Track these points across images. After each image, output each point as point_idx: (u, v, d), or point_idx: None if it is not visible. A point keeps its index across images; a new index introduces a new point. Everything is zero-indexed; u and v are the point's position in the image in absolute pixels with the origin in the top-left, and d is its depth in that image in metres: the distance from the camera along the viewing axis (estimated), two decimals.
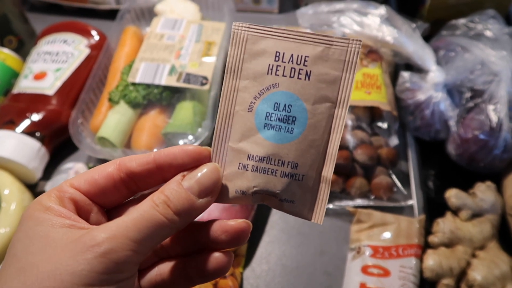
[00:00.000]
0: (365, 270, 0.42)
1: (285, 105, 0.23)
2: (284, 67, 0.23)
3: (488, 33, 0.53)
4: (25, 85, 0.57)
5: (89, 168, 0.52)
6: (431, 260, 0.42)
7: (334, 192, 0.50)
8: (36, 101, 0.55)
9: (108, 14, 0.71)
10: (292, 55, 0.23)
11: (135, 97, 0.53)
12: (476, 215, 0.46)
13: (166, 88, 0.54)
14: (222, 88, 0.24)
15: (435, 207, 0.49)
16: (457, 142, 0.50)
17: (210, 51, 0.57)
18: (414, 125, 0.53)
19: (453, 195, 0.46)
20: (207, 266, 0.23)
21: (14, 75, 0.60)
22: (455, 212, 0.46)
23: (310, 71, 0.23)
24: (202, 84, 0.54)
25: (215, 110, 0.53)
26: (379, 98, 0.52)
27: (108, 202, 0.23)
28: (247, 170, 0.23)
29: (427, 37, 0.57)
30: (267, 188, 0.23)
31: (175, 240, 0.24)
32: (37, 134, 0.53)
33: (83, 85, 0.57)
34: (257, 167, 0.23)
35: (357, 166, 0.49)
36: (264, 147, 0.23)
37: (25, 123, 0.53)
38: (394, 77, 0.58)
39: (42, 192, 0.53)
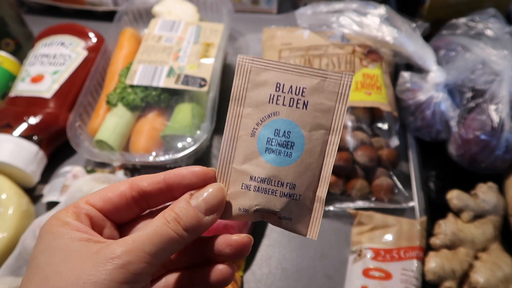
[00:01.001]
0: (366, 273, 0.42)
1: (284, 132, 0.25)
2: (284, 97, 0.25)
3: (488, 32, 0.52)
4: (23, 88, 0.56)
5: (87, 171, 0.52)
6: (433, 262, 0.42)
7: (335, 194, 0.49)
8: (33, 104, 0.55)
9: (106, 16, 0.70)
10: (291, 86, 0.25)
11: (133, 99, 0.53)
12: (478, 216, 0.45)
13: (165, 90, 0.54)
14: (228, 114, 0.26)
15: (436, 209, 0.49)
16: (458, 142, 0.49)
17: (208, 53, 0.57)
18: (415, 125, 0.53)
19: (454, 197, 0.45)
20: (211, 277, 0.25)
21: (11, 78, 0.60)
22: (457, 213, 0.46)
23: (308, 101, 0.25)
24: (201, 85, 0.53)
25: (214, 112, 0.52)
26: (380, 99, 0.52)
27: (120, 218, 0.25)
28: (249, 190, 0.25)
29: (427, 37, 0.56)
30: (268, 207, 0.25)
31: (182, 253, 0.26)
32: (35, 137, 0.52)
33: (80, 88, 0.57)
34: (258, 188, 0.25)
35: (357, 168, 0.49)
36: (265, 169, 0.25)
37: (23, 126, 0.52)
38: (394, 77, 0.57)
39: (40, 196, 0.52)
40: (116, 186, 0.25)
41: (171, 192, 0.25)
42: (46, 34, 0.62)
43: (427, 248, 0.44)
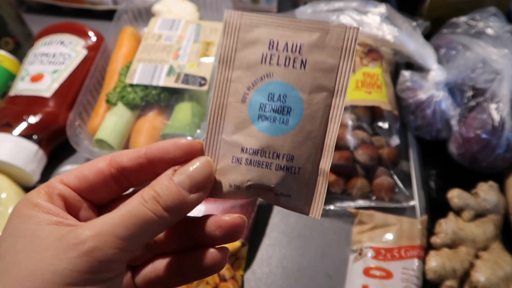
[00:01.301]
0: (367, 272, 0.42)
1: (279, 95, 0.22)
2: (279, 56, 0.22)
3: (489, 31, 0.52)
4: (22, 87, 0.56)
5: None
6: (434, 261, 0.42)
7: (335, 193, 0.49)
8: (33, 103, 0.54)
9: (105, 15, 0.70)
10: (286, 43, 0.22)
11: (133, 98, 0.53)
12: (478, 215, 0.45)
13: (164, 89, 0.54)
14: (215, 79, 0.23)
15: (437, 208, 0.49)
16: (459, 141, 0.49)
17: (208, 52, 0.57)
18: (415, 124, 0.53)
19: (455, 196, 0.45)
20: (202, 262, 0.22)
21: (10, 77, 0.59)
22: (458, 212, 0.46)
23: (306, 60, 0.22)
24: (201, 84, 0.53)
25: None
26: (380, 98, 0.52)
27: (99, 198, 0.23)
28: (241, 163, 0.23)
29: (428, 36, 0.56)
30: (261, 182, 0.23)
31: (169, 236, 0.23)
32: (34, 136, 0.52)
33: (80, 87, 0.56)
34: (251, 160, 0.22)
35: (358, 167, 0.49)
36: (258, 140, 0.22)
37: (22, 125, 0.52)
38: (394, 76, 0.57)
39: None
40: (93, 163, 0.22)
41: (154, 168, 0.22)
42: (46, 33, 0.62)
43: (428, 247, 0.44)
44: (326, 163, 0.23)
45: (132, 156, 0.22)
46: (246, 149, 0.22)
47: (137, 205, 0.20)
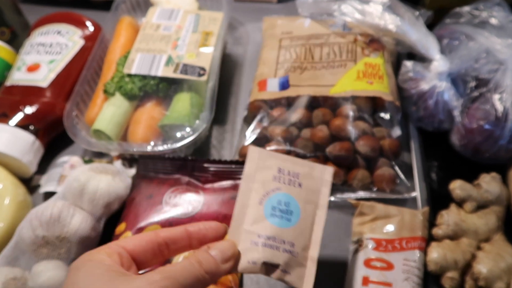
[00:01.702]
0: (367, 263, 0.41)
1: (285, 202, 0.33)
2: (284, 177, 0.34)
3: (493, 20, 0.51)
4: (18, 77, 0.55)
5: (85, 161, 0.51)
6: (435, 252, 0.41)
7: (336, 185, 0.48)
8: (29, 93, 0.54)
9: (103, 5, 0.69)
10: (289, 170, 0.35)
11: (131, 88, 0.52)
12: (481, 206, 0.45)
13: (163, 80, 0.53)
14: (240, 187, 0.33)
15: (438, 199, 0.48)
16: (461, 132, 0.49)
17: (207, 42, 0.56)
18: (417, 115, 0.52)
19: (457, 187, 0.45)
20: None
21: (7, 67, 0.59)
22: (460, 204, 0.45)
23: (301, 183, 0.35)
24: (200, 75, 0.53)
25: (213, 101, 0.52)
26: (381, 88, 0.51)
27: (143, 262, 0.29)
28: (257, 245, 0.31)
29: (430, 26, 0.55)
30: (272, 261, 0.31)
31: None
32: (31, 127, 0.52)
33: (77, 77, 0.56)
34: (265, 243, 0.31)
35: (359, 158, 0.48)
36: (271, 230, 0.32)
37: (19, 116, 0.52)
38: (396, 66, 0.56)
39: (37, 186, 0.51)
40: (145, 234, 0.30)
41: (189, 240, 0.30)
42: (42, 23, 0.61)
43: (429, 238, 0.44)
44: (314, 252, 0.33)
45: (176, 229, 0.31)
46: (262, 235, 0.32)
47: (188, 265, 0.27)
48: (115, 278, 0.25)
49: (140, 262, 0.29)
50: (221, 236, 0.31)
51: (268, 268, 0.31)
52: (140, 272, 0.29)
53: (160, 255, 0.30)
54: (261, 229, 0.32)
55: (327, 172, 0.35)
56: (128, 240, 0.29)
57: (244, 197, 0.33)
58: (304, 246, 0.32)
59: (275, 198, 0.33)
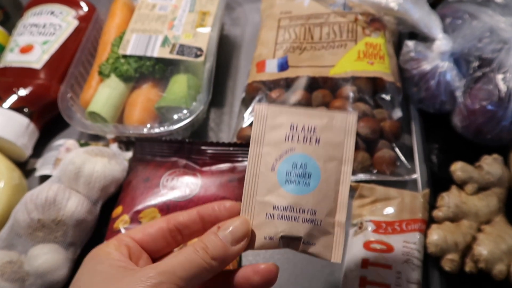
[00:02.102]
0: (367, 246, 0.41)
1: (301, 164, 0.29)
2: (298, 135, 0.29)
3: None
4: (11, 59, 0.54)
5: (81, 144, 0.50)
6: (436, 235, 0.41)
7: None
8: (23, 75, 0.53)
9: None
10: (303, 125, 0.29)
11: (126, 70, 0.51)
12: (482, 188, 0.44)
13: (159, 61, 0.52)
14: (249, 154, 0.29)
15: (439, 181, 0.47)
16: (463, 113, 0.48)
17: (204, 22, 0.55)
18: (418, 96, 0.51)
19: (458, 168, 0.44)
20: None
21: None
22: (461, 185, 0.45)
23: (320, 138, 0.29)
24: (197, 56, 0.51)
25: (210, 83, 0.51)
26: (382, 69, 0.50)
27: (156, 250, 0.28)
28: (273, 218, 0.28)
29: (433, 4, 0.54)
30: (292, 233, 0.28)
31: (211, 283, 0.28)
32: (25, 109, 0.51)
33: (72, 59, 0.55)
34: (282, 215, 0.28)
35: (359, 140, 0.47)
36: (287, 199, 0.28)
37: (12, 98, 0.51)
38: (397, 47, 0.55)
39: (33, 169, 0.51)
40: (155, 221, 0.29)
41: (203, 224, 0.29)
42: (35, 3, 0.60)
43: (430, 221, 0.43)
44: (341, 216, 0.29)
45: (188, 213, 0.29)
46: (277, 206, 0.28)
47: (191, 253, 0.25)
48: (114, 274, 0.24)
49: (152, 251, 0.28)
50: (236, 216, 0.29)
51: (288, 241, 0.28)
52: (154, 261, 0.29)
53: (173, 242, 0.29)
54: (276, 199, 0.28)
55: (350, 119, 0.29)
56: (137, 230, 0.28)
57: (254, 165, 0.29)
58: (329, 211, 0.28)
59: (289, 161, 0.29)
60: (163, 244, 0.28)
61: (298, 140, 0.29)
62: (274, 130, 0.29)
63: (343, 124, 0.29)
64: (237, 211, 0.28)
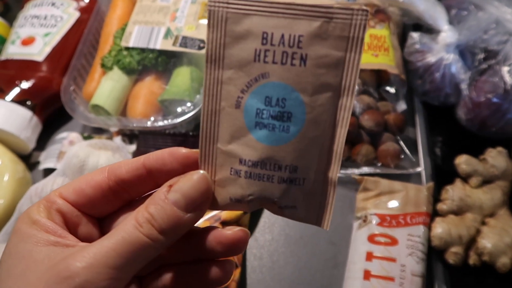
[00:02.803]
0: (371, 239, 0.41)
1: (278, 99, 0.19)
2: (274, 51, 0.19)
3: None
4: (13, 51, 0.54)
5: (84, 137, 0.50)
6: (440, 228, 0.41)
7: None
8: (25, 67, 0.52)
9: None
10: (283, 35, 0.19)
11: (129, 62, 0.50)
12: (486, 181, 0.44)
13: (162, 53, 0.51)
14: (204, 80, 0.20)
15: (443, 175, 0.47)
16: (468, 106, 0.47)
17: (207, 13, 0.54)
18: (423, 89, 0.51)
19: (463, 161, 0.44)
20: (206, 276, 0.22)
21: (1, 41, 0.57)
22: (465, 179, 0.45)
23: (306, 54, 0.19)
24: (200, 48, 0.51)
25: None
26: (387, 61, 0.50)
27: (99, 212, 0.22)
28: (240, 176, 0.21)
29: None
30: (264, 196, 0.21)
31: (172, 248, 0.22)
32: (28, 102, 0.51)
33: (74, 51, 0.54)
34: (251, 173, 0.20)
35: (363, 133, 0.47)
36: (257, 150, 0.20)
37: (15, 91, 0.50)
38: (402, 39, 0.55)
39: (37, 162, 0.51)
40: (91, 176, 0.22)
41: (153, 179, 0.21)
42: None
43: (434, 214, 0.43)
44: (334, 171, 0.21)
45: (131, 167, 0.21)
46: (245, 161, 0.20)
47: (131, 230, 0.19)
48: (36, 260, 0.19)
49: (94, 213, 0.22)
50: (194, 169, 0.21)
51: (261, 203, 0.21)
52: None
53: (118, 201, 0.22)
54: (243, 149, 0.20)
55: (357, 20, 0.19)
56: (70, 188, 0.21)
57: (211, 97, 0.20)
58: (316, 166, 0.21)
59: (261, 94, 0.20)
60: (105, 205, 0.22)
61: (274, 59, 0.19)
62: (238, 43, 0.20)
63: (345, 29, 0.19)
64: (193, 162, 0.21)
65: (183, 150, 0.21)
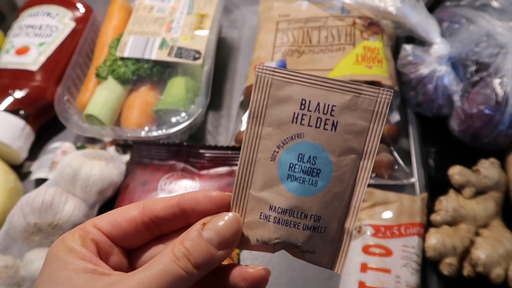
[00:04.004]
0: (366, 250, 0.41)
1: (309, 157, 0.23)
2: (310, 116, 0.22)
3: (494, 3, 0.50)
4: (7, 60, 0.53)
5: (77, 147, 0.50)
6: (434, 239, 0.41)
7: None
8: (19, 77, 0.52)
9: None
10: (318, 103, 0.22)
11: (124, 72, 0.50)
12: (479, 192, 0.44)
13: (157, 63, 0.51)
14: (244, 134, 0.23)
15: (437, 185, 0.48)
16: (461, 117, 0.48)
17: (203, 24, 0.55)
18: (416, 100, 0.51)
19: (456, 172, 0.44)
20: None
21: None
22: (458, 189, 0.45)
23: (337, 122, 0.22)
24: (195, 58, 0.51)
25: (209, 86, 0.50)
26: (380, 73, 0.50)
27: (129, 244, 0.24)
28: (269, 221, 0.23)
29: (431, 8, 0.54)
30: (289, 241, 0.23)
31: (198, 282, 0.24)
32: (21, 112, 0.50)
33: (68, 60, 0.54)
34: (279, 219, 0.23)
35: None
36: (287, 199, 0.23)
37: (8, 100, 0.50)
38: (395, 51, 0.55)
39: (28, 172, 0.50)
40: (126, 209, 0.23)
41: (186, 218, 0.23)
42: (31, 4, 0.59)
43: (428, 224, 0.43)
44: (351, 223, 0.23)
45: (166, 205, 0.23)
46: (275, 207, 0.23)
47: (169, 263, 0.21)
48: (77, 285, 0.20)
49: (125, 245, 0.24)
50: (225, 210, 0.24)
51: (284, 246, 0.24)
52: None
53: (149, 235, 0.24)
54: (274, 197, 0.23)
55: (383, 97, 0.22)
56: (105, 220, 0.23)
57: (250, 149, 0.23)
58: (337, 217, 0.23)
59: (295, 151, 0.23)
60: (137, 238, 0.24)
61: (309, 122, 0.22)
62: (278, 105, 0.23)
63: (371, 104, 0.22)
64: (225, 204, 0.23)
65: (216, 193, 0.23)
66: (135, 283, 0.20)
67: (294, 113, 0.22)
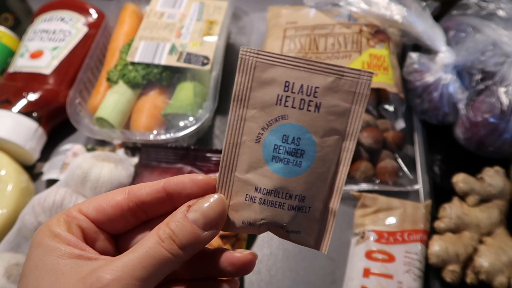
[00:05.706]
0: (369, 255, 0.41)
1: (293, 138, 0.23)
2: (294, 98, 0.23)
3: (500, 12, 0.50)
4: (21, 64, 0.55)
5: (88, 149, 0.51)
6: (437, 245, 0.41)
7: None
8: (32, 80, 0.54)
9: None
10: (302, 85, 0.23)
11: (134, 77, 0.52)
12: (483, 200, 0.45)
13: (166, 68, 0.52)
14: (229, 116, 0.23)
15: (441, 192, 0.48)
16: (466, 125, 0.48)
17: (211, 30, 0.56)
18: (422, 108, 0.52)
19: (461, 180, 0.45)
20: None
21: (10, 54, 0.58)
22: (462, 197, 0.45)
23: (320, 103, 0.23)
24: (203, 64, 0.52)
25: (216, 91, 0.51)
26: (386, 80, 0.51)
27: (115, 229, 0.24)
28: (254, 202, 0.23)
29: (437, 17, 0.54)
30: (274, 221, 0.23)
31: (184, 265, 0.24)
32: (34, 114, 0.52)
33: (81, 65, 0.56)
34: (264, 200, 0.23)
35: (362, 150, 0.48)
36: (272, 180, 0.23)
37: (22, 102, 0.52)
38: (401, 58, 0.56)
39: (40, 173, 0.52)
40: (111, 195, 0.23)
41: (172, 202, 0.23)
42: (46, 9, 0.61)
43: (431, 231, 0.44)
44: (334, 203, 0.24)
45: (151, 190, 0.23)
46: (260, 188, 0.23)
47: (154, 245, 0.21)
48: (64, 271, 0.20)
49: (111, 230, 0.24)
50: (211, 193, 0.23)
51: (270, 227, 0.24)
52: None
53: (135, 221, 0.24)
54: (259, 179, 0.23)
55: (363, 80, 0.23)
56: (90, 206, 0.23)
57: (234, 131, 0.23)
58: (321, 196, 0.24)
59: (279, 132, 0.23)
60: (123, 223, 0.23)
61: (293, 104, 0.23)
62: (263, 88, 0.23)
63: (353, 86, 0.23)
64: (211, 188, 0.23)
65: (202, 177, 0.23)
66: (118, 267, 0.20)
67: (278, 95, 0.23)
